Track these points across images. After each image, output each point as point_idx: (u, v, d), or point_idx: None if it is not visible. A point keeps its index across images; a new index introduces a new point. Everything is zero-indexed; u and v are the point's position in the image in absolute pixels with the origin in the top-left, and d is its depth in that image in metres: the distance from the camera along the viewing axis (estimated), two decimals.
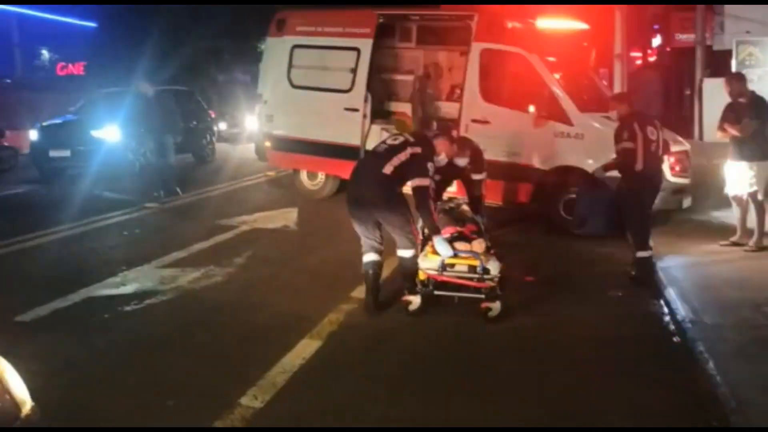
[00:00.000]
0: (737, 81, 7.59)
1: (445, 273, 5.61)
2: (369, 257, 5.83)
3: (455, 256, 5.60)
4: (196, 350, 4.96)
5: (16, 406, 2.38)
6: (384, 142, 6.09)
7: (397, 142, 5.86)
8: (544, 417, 4.01)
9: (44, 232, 8.65)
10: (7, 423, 2.32)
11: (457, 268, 5.62)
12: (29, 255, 7.79)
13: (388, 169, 5.65)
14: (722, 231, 8.10)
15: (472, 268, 5.54)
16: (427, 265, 5.64)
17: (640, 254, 6.75)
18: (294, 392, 4.26)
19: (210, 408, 3.99)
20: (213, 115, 18.14)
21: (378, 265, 5.84)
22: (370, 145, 10.17)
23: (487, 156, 8.70)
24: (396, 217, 5.74)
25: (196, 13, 26.17)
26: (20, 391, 2.46)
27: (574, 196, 8.63)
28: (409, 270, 5.80)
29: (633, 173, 6.66)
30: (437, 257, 5.59)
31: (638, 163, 6.61)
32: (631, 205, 6.84)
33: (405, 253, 5.81)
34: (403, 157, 5.67)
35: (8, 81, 21.77)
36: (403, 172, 5.68)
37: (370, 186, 5.75)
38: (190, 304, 5.98)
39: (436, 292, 5.75)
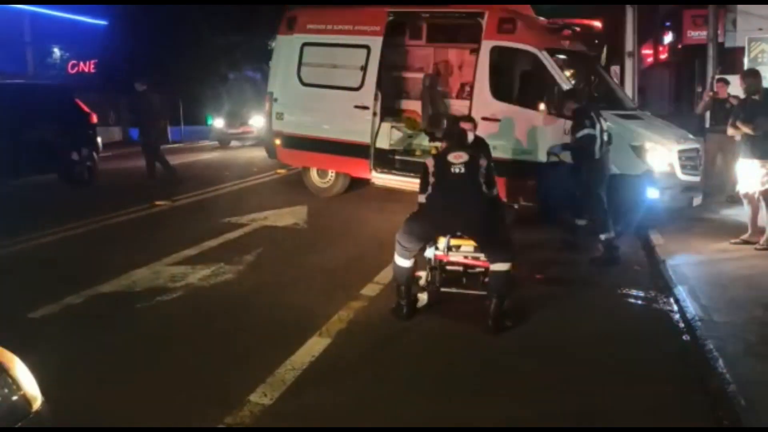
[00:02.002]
0: (753, 77, 7.55)
1: (450, 253, 5.68)
2: (410, 263, 5.59)
3: (460, 236, 5.65)
4: (206, 347, 4.98)
5: (27, 401, 2.40)
6: (449, 161, 5.56)
7: (467, 157, 5.55)
8: (553, 416, 4.00)
9: (56, 230, 8.69)
10: (18, 419, 2.34)
11: (463, 248, 5.71)
12: (40, 252, 7.83)
13: (483, 188, 5.52)
14: (733, 229, 8.06)
15: (477, 248, 5.60)
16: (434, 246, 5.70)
17: (605, 236, 7.28)
18: (303, 390, 4.27)
19: (219, 405, 4.01)
20: (94, 120, 13.45)
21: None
22: (379, 143, 10.23)
23: (497, 154, 8.72)
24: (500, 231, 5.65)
25: (207, 11, 26.25)
26: (31, 387, 2.48)
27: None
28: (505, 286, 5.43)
29: (592, 160, 7.22)
30: (443, 238, 5.65)
31: (597, 152, 7.23)
32: (594, 192, 7.34)
33: (504, 266, 5.40)
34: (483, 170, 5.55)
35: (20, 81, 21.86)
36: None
37: (472, 209, 5.48)
38: (200, 302, 6.01)
39: (443, 289, 5.80)
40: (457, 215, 5.50)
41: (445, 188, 5.51)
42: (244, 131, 22.61)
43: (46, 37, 26.11)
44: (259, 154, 13.96)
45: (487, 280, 5.59)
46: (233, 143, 22.44)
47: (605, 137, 7.42)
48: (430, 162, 5.70)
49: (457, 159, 5.52)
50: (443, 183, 5.52)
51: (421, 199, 5.66)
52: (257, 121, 21.93)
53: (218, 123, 23.14)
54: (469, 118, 7.72)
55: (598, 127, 7.27)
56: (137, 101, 13.34)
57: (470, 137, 6.79)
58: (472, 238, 5.62)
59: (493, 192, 5.68)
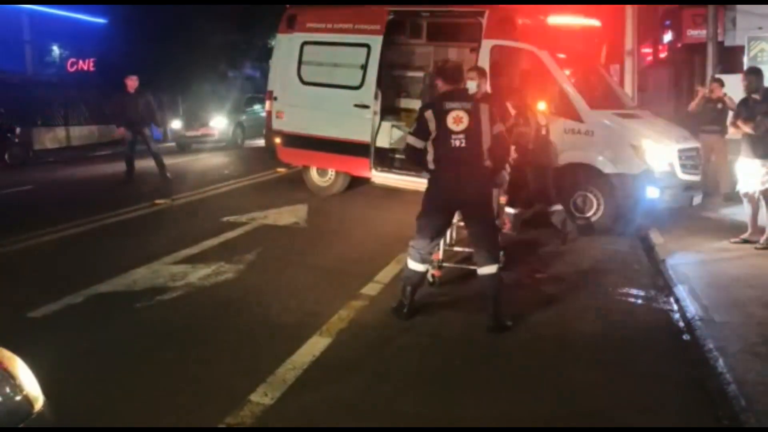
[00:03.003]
0: (755, 76, 7.56)
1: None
2: (423, 267, 5.53)
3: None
4: (206, 347, 4.98)
5: (29, 402, 2.40)
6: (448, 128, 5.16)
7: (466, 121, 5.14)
8: (552, 415, 4.01)
9: (55, 229, 8.69)
10: (20, 419, 2.33)
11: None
12: (40, 251, 7.83)
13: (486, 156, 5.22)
14: (733, 228, 8.07)
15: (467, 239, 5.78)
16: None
17: (555, 208, 7.99)
18: (304, 389, 4.27)
19: (220, 404, 4.01)
20: None
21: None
22: (380, 142, 10.22)
23: None
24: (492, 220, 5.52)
25: (207, 10, 26.19)
26: (33, 387, 2.48)
27: (584, 193, 8.64)
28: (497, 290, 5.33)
29: (527, 152, 7.59)
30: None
31: (531, 143, 7.67)
32: (544, 179, 7.93)
33: (492, 269, 5.30)
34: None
35: (16, 81, 21.87)
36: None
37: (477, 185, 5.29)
38: (201, 301, 6.01)
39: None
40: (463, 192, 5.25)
41: (448, 158, 5.20)
42: (204, 134, 20.99)
43: (46, 36, 26.06)
44: (219, 162, 13.64)
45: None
46: (194, 146, 20.93)
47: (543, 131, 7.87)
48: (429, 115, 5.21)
49: (458, 124, 5.16)
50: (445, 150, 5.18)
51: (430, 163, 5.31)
52: (219, 123, 21.15)
53: (175, 124, 21.84)
54: (475, 67, 7.34)
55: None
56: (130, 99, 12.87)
57: (472, 88, 6.60)
58: (469, 224, 5.48)
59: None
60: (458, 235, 6.97)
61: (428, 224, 5.39)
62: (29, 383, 2.46)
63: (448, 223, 5.75)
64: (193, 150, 20.48)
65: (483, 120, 5.18)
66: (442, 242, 5.98)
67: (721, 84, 10.34)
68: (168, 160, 13.80)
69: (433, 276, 6.21)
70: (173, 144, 21.62)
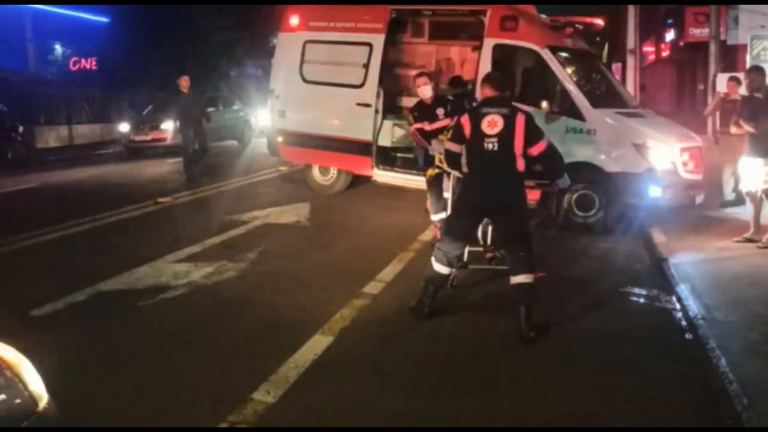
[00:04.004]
0: (759, 74, 7.53)
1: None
2: (448, 270, 5.47)
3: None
4: (209, 345, 4.99)
5: (33, 400, 2.40)
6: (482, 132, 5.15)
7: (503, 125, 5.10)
8: (554, 415, 4.00)
9: (57, 227, 8.71)
10: (24, 417, 2.33)
11: None
12: (43, 250, 7.85)
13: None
14: (735, 227, 8.06)
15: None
16: None
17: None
18: (306, 387, 4.28)
19: (223, 402, 4.02)
20: None
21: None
22: (381, 141, 10.22)
23: None
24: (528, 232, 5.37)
25: (209, 8, 26.21)
26: (37, 385, 2.47)
27: (585, 192, 8.63)
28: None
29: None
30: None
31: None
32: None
33: (528, 278, 5.13)
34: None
35: (18, 79, 21.85)
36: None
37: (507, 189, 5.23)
38: (204, 299, 6.03)
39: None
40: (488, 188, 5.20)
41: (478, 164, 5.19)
42: (155, 138, 18.18)
43: (48, 34, 26.08)
44: (160, 172, 13.40)
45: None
46: (146, 152, 18.39)
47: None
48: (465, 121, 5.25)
49: (492, 128, 5.09)
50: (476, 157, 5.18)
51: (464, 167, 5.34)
52: (172, 125, 17.29)
53: (123, 127, 19.42)
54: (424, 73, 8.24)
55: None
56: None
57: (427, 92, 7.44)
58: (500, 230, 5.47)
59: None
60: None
61: (456, 227, 5.41)
62: (33, 381, 2.46)
63: (476, 227, 5.71)
64: (144, 156, 18.05)
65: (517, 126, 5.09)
66: (467, 246, 5.84)
67: (738, 82, 9.76)
68: (108, 168, 13.43)
69: (452, 279, 5.93)
70: (122, 149, 19.36)
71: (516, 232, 5.22)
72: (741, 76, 8.00)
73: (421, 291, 5.51)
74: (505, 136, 5.06)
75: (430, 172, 7.44)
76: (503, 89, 5.37)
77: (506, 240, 5.36)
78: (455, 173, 5.85)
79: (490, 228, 6.15)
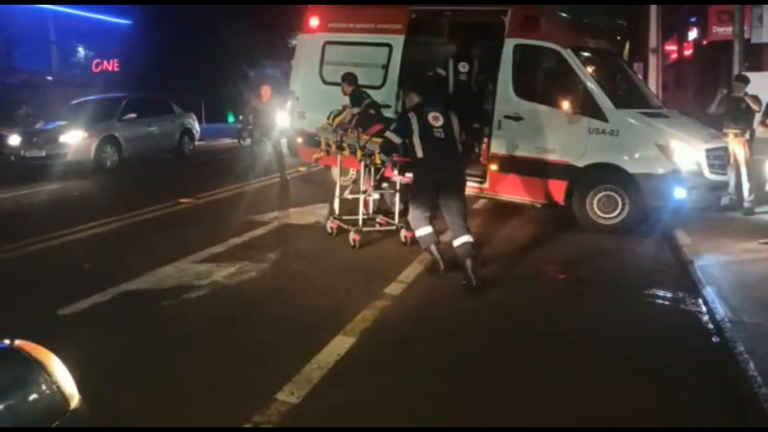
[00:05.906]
0: None
1: None
2: (430, 228, 6.70)
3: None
4: (233, 345, 5.01)
5: (64, 400, 2.41)
6: (430, 124, 6.58)
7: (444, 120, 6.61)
8: (575, 416, 3.97)
9: (83, 227, 8.80)
10: (56, 417, 2.35)
11: None
12: (67, 249, 7.94)
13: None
14: (761, 229, 7.95)
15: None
16: None
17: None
18: (329, 388, 4.29)
19: (247, 403, 4.03)
20: None
21: None
22: None
23: (520, 152, 8.69)
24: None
25: (228, 10, 26.38)
26: (68, 384, 2.48)
27: (607, 193, 8.55)
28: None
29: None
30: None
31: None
32: None
33: (470, 237, 6.44)
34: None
35: (49, 78, 22.07)
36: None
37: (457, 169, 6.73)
38: (226, 300, 6.06)
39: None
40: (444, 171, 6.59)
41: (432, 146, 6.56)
42: (50, 153, 14.71)
43: (71, 37, 26.41)
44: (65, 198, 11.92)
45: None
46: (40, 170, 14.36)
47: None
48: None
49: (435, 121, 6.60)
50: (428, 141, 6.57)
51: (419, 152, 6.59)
52: (73, 137, 14.79)
53: (13, 140, 15.28)
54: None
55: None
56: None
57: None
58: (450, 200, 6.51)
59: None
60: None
61: (423, 200, 6.67)
62: (65, 381, 2.47)
63: (436, 197, 6.62)
64: (34, 178, 13.81)
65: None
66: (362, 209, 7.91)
67: (745, 82, 9.73)
68: None
69: (352, 240, 7.73)
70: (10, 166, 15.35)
71: (460, 205, 6.51)
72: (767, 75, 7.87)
73: (430, 261, 6.81)
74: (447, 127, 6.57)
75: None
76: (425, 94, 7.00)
77: (450, 209, 6.49)
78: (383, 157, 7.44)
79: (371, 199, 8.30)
